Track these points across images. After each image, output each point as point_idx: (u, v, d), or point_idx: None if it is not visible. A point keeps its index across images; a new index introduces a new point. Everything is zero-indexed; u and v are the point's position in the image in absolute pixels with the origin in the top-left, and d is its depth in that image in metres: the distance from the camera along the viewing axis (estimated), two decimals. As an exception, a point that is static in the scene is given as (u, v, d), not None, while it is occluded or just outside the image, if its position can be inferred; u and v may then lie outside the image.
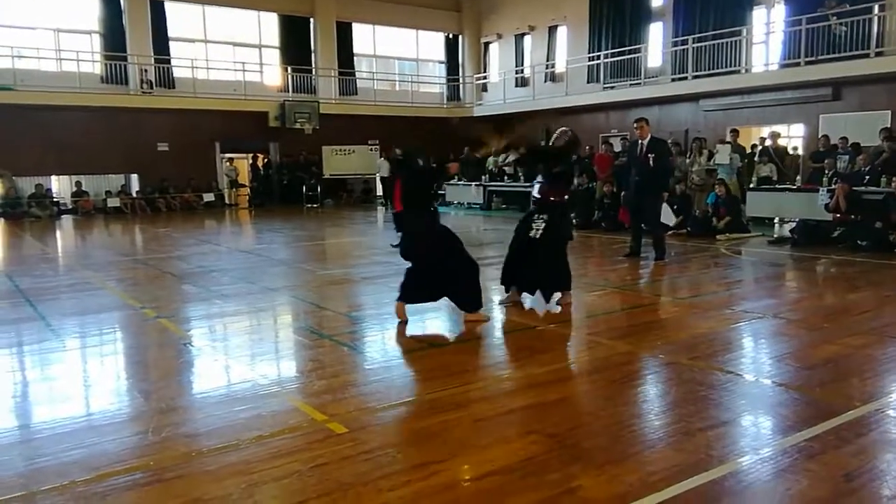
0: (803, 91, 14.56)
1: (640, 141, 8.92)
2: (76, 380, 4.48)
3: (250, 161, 21.68)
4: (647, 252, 9.44)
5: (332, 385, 4.15)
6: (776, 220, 13.19)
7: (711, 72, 15.93)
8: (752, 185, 13.13)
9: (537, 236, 6.22)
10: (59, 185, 19.29)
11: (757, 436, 3.37)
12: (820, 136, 13.33)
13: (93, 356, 5.07)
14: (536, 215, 6.30)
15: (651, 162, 8.72)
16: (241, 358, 4.97)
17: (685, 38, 16.73)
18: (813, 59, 14.16)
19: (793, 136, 15.28)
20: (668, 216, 9.40)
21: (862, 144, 12.35)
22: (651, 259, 9.00)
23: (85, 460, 3.08)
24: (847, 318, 5.81)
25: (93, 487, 2.81)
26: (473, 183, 19.26)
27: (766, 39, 16.22)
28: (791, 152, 14.30)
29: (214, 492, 2.75)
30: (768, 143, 13.88)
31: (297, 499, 2.70)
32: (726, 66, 15.79)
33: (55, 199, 18.68)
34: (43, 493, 2.76)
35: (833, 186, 10.81)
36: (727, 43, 15.81)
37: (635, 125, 9.16)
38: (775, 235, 11.65)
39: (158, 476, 2.92)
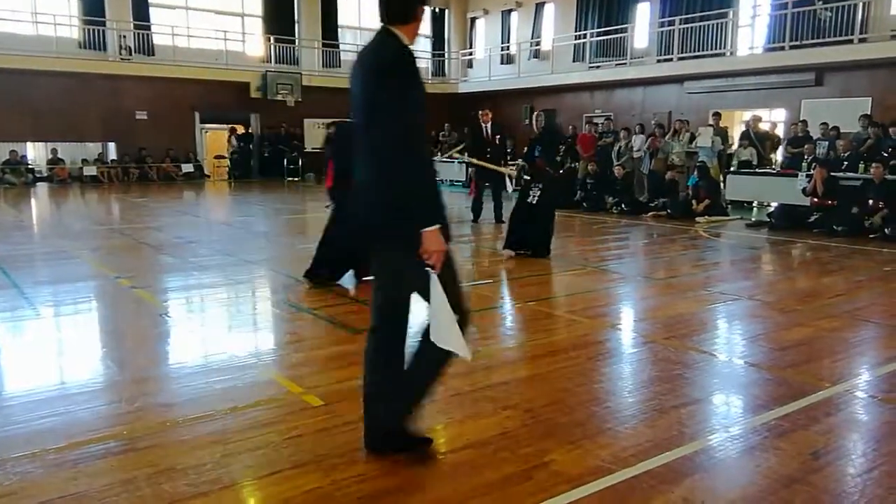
0: (787, 76, 14.62)
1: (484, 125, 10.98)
2: (50, 348, 4.43)
3: (230, 132, 21.34)
4: (626, 231, 9.49)
5: (309, 358, 4.15)
6: (755, 204, 13.32)
7: (696, 54, 15.93)
8: (731, 169, 13.22)
9: (534, 202, 7.66)
10: (35, 153, 18.91)
11: (728, 414, 3.43)
12: (800, 120, 13.41)
13: (67, 325, 5.02)
14: (532, 184, 7.75)
15: (496, 141, 11.02)
16: (219, 329, 4.95)
17: (672, 18, 16.70)
18: (797, 43, 14.20)
19: (775, 121, 15.36)
20: (508, 185, 11.02)
21: (842, 130, 12.45)
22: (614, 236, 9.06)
23: (57, 428, 3.05)
24: (820, 301, 5.90)
25: (65, 455, 2.79)
26: (456, 160, 19.19)
27: (752, 23, 16.23)
28: (771, 133, 14.33)
29: (188, 461, 2.75)
30: (750, 126, 13.94)
31: (272, 469, 2.70)
32: (712, 49, 15.80)
33: (30, 167, 18.32)
34: (14, 460, 2.74)
35: (812, 171, 10.91)
36: (713, 25, 15.80)
37: (480, 113, 11.10)
38: (753, 219, 11.76)
39: (132, 445, 2.91)
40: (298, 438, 2.98)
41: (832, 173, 10.63)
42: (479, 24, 24.18)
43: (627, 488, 2.59)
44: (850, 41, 13.49)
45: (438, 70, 24.66)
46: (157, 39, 19.44)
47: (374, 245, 2.73)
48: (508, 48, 22.49)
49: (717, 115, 13.87)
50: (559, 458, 2.82)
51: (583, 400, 3.50)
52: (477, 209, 11.24)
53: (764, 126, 14.20)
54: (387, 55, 2.54)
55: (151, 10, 19.42)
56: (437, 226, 2.52)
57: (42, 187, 17.38)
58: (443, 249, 2.54)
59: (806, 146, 12.30)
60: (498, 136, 11.18)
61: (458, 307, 2.64)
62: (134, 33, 18.93)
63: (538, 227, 7.71)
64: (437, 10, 24.35)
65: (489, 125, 11.10)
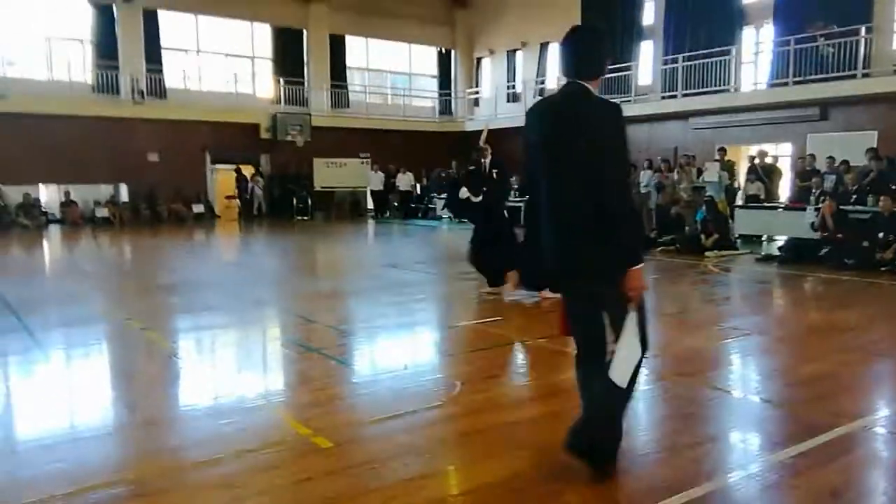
0: (791, 111, 14.71)
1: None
2: (60, 392, 4.43)
3: (244, 174, 21.46)
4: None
5: (318, 399, 4.12)
6: (764, 238, 13.28)
7: (701, 90, 16.07)
8: (738, 203, 13.23)
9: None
10: (48, 195, 19.14)
11: (744, 452, 3.37)
12: (807, 154, 13.44)
13: (77, 368, 5.02)
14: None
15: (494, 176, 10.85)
16: (228, 371, 4.94)
17: (675, 56, 16.90)
18: (801, 79, 14.31)
19: (781, 155, 15.41)
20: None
21: (851, 164, 12.47)
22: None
23: (66, 473, 3.04)
24: (833, 335, 5.84)
25: (74, 501, 2.77)
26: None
27: (755, 59, 16.41)
28: (773, 164, 14.32)
29: (197, 506, 2.72)
30: (756, 161, 14.00)
31: (281, 514, 2.67)
32: (716, 85, 15.94)
33: (43, 209, 18.53)
34: (22, 507, 2.72)
35: (820, 205, 10.90)
36: (717, 62, 15.97)
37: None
38: (763, 253, 11.71)
39: (141, 490, 2.88)
40: (307, 482, 2.95)
41: (841, 206, 10.61)
42: (485, 63, 24.55)
43: (642, 531, 2.54)
44: (854, 76, 13.59)
45: (445, 109, 24.97)
46: (169, 82, 19.82)
47: (575, 282, 2.88)
48: (514, 87, 22.78)
49: (723, 150, 13.94)
50: (572, 499, 2.77)
51: (595, 439, 3.44)
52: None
53: (768, 160, 14.25)
54: (610, 107, 2.79)
55: (163, 54, 19.83)
56: (643, 265, 2.77)
57: (55, 229, 17.55)
58: (645, 287, 2.78)
59: (814, 180, 12.31)
60: (496, 171, 11.14)
61: (644, 343, 2.87)
62: (146, 77, 19.31)
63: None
64: (443, 50, 24.76)
65: (488, 161, 11.15)
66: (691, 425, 3.63)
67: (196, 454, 3.24)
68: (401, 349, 5.60)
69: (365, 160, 21.92)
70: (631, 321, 2.77)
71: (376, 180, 21.46)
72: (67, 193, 18.75)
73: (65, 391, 4.46)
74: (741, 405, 4.08)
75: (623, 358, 2.79)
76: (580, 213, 2.75)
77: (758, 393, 4.29)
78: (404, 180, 21.28)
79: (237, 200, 21.12)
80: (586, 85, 2.83)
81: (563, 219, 2.81)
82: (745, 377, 4.74)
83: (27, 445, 3.41)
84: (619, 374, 2.79)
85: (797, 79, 14.39)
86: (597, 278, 2.80)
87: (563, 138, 2.78)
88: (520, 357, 5.40)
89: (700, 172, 13.72)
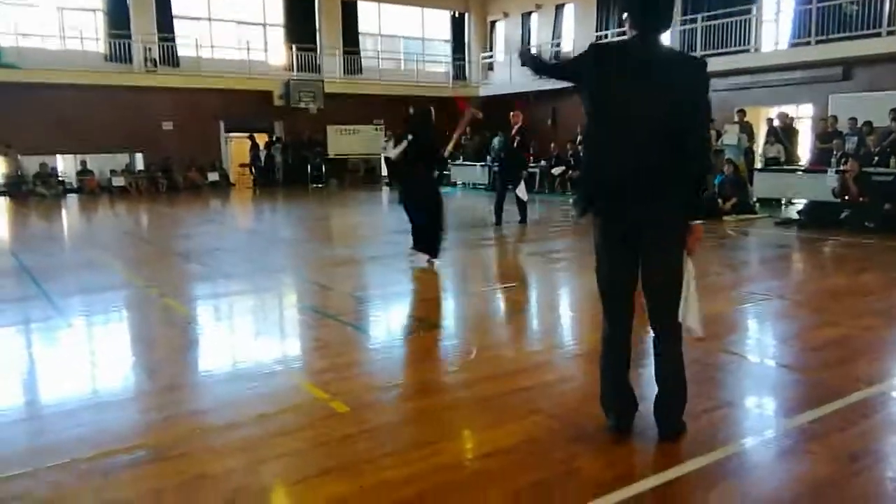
0: (813, 71, 14.37)
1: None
2: (80, 358, 4.50)
3: (257, 142, 21.45)
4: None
5: (335, 364, 4.15)
6: (783, 201, 13.10)
7: (721, 51, 15.74)
8: (759, 166, 13.02)
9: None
10: (65, 164, 19.27)
11: (761, 417, 3.36)
12: (829, 116, 13.16)
13: (97, 335, 5.09)
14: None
15: (515, 144, 11.20)
16: (246, 337, 4.99)
17: (694, 16, 16.52)
18: (823, 38, 13.95)
19: (802, 117, 15.12)
20: (521, 191, 11.11)
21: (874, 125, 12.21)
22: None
23: (88, 438, 3.09)
24: (853, 299, 5.77)
25: (95, 465, 2.82)
26: (478, 164, 19.19)
27: (777, 18, 15.99)
28: (790, 124, 14.05)
29: (217, 469, 2.76)
30: (776, 123, 13.75)
31: (299, 476, 2.71)
32: (736, 46, 15.60)
33: (60, 178, 18.67)
34: (46, 470, 2.77)
35: (841, 168, 10.70)
36: (737, 22, 15.60)
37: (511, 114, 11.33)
38: (782, 216, 11.57)
39: (161, 454, 2.93)
40: (325, 445, 2.98)
41: (863, 168, 10.41)
42: (499, 27, 24.15)
43: (658, 494, 2.55)
44: (878, 34, 13.22)
45: (459, 74, 24.67)
46: (182, 51, 19.71)
47: (653, 231, 2.85)
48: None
49: (742, 112, 13.67)
50: (587, 464, 2.78)
51: (611, 404, 3.44)
52: (499, 212, 11.14)
53: (788, 122, 13.98)
54: (700, 64, 2.87)
55: (175, 23, 19.70)
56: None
57: (72, 198, 17.69)
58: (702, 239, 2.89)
59: (835, 141, 12.08)
60: (518, 139, 11.20)
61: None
62: (159, 45, 19.22)
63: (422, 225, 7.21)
64: (456, 14, 24.37)
65: (516, 127, 11.20)
66: (708, 390, 3.61)
67: (215, 418, 3.28)
68: (416, 315, 5.61)
69: (378, 127, 21.78)
70: (690, 270, 2.88)
71: (391, 147, 21.35)
72: (84, 163, 18.86)
73: (85, 357, 4.52)
74: (759, 370, 4.06)
75: (690, 305, 2.87)
76: (665, 164, 2.75)
77: (776, 358, 4.26)
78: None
79: (253, 168, 21.14)
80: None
81: (645, 164, 2.77)
82: (763, 342, 4.71)
83: (49, 411, 3.47)
84: (685, 317, 2.88)
85: (819, 38, 14.03)
86: (674, 226, 2.84)
87: (655, 90, 2.74)
88: (535, 323, 5.40)
89: (719, 135, 13.49)
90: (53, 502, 2.54)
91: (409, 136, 7.32)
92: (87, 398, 3.69)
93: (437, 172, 7.54)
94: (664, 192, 2.78)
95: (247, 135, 20.95)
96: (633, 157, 2.77)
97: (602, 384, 3.05)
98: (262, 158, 21.12)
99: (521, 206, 11.09)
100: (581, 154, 3.03)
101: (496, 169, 12.89)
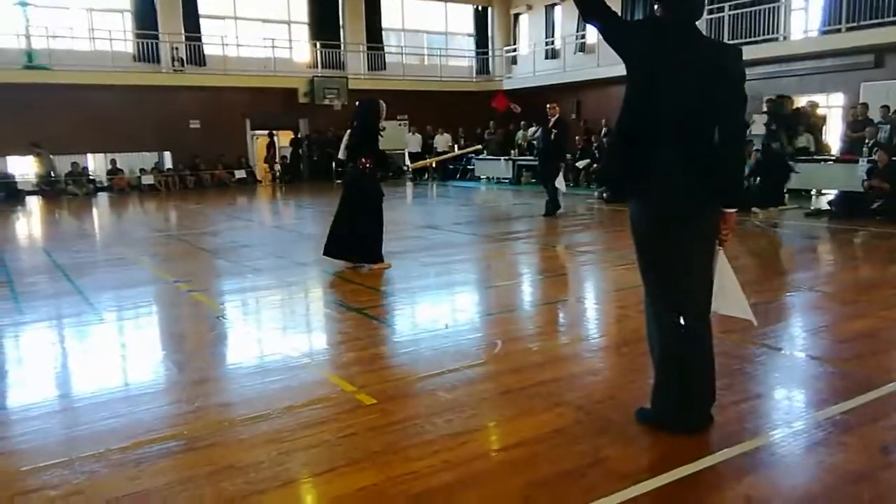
0: (844, 58, 14.09)
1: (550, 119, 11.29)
2: (113, 351, 4.59)
3: (270, 139, 21.49)
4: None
5: (361, 357, 4.19)
6: (813, 192, 12.88)
7: (749, 39, 15.49)
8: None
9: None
10: (95, 163, 19.62)
11: (791, 409, 3.32)
12: (859, 104, 12.88)
13: (129, 329, 5.18)
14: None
15: (553, 137, 11.20)
16: (273, 330, 5.04)
17: (721, 5, 16.28)
18: (854, 24, 13.67)
19: (833, 106, 14.83)
20: (560, 183, 11.29)
21: (906, 113, 11.94)
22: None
23: (121, 429, 3.15)
24: (885, 291, 5.66)
25: (128, 455, 2.88)
26: (502, 158, 19.13)
27: (806, 5, 15.70)
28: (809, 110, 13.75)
29: (246, 459, 2.81)
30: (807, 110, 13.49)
31: (327, 466, 2.74)
32: (764, 34, 15.34)
33: (91, 177, 19.01)
34: (81, 460, 2.84)
35: (873, 157, 10.48)
36: (765, 9, 15.34)
37: (547, 107, 11.41)
38: (812, 207, 11.37)
39: (192, 444, 2.98)
40: (352, 436, 3.01)
41: (894, 158, 10.19)
42: (523, 19, 24.04)
43: (686, 486, 2.53)
44: (912, 20, 12.92)
45: (483, 68, 24.62)
46: (208, 50, 19.94)
47: (693, 221, 2.84)
48: (553, 43, 22.30)
49: (771, 102, 13.42)
50: (614, 454, 2.78)
51: (636, 396, 3.42)
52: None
53: (820, 111, 13.70)
54: (737, 52, 2.91)
55: (202, 22, 19.93)
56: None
57: (102, 197, 18.02)
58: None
59: (867, 130, 11.83)
60: (555, 132, 11.21)
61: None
62: (185, 45, 19.47)
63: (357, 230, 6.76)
64: (479, 7, 24.31)
65: (553, 119, 11.24)
66: (738, 382, 3.58)
67: (245, 410, 3.33)
68: (441, 309, 5.64)
69: (402, 122, 21.82)
70: (723, 257, 2.91)
71: (414, 142, 21.40)
72: (114, 162, 19.20)
73: (118, 351, 4.61)
74: (789, 362, 4.00)
75: (729, 293, 2.92)
76: (709, 149, 2.79)
77: (806, 350, 4.20)
78: (441, 141, 21.15)
79: (278, 165, 21.30)
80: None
81: (691, 152, 2.78)
82: (793, 334, 4.65)
83: (83, 402, 3.55)
84: (727, 306, 2.93)
85: (850, 25, 13.75)
86: (711, 214, 2.85)
87: (700, 79, 2.76)
88: (560, 316, 5.39)
89: (747, 125, 13.27)
90: (88, 491, 2.60)
91: (349, 129, 7.05)
92: (120, 390, 3.76)
93: (379, 170, 7.02)
94: (702, 181, 2.77)
95: (264, 132, 21.11)
96: (676, 143, 2.77)
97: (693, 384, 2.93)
98: (289, 156, 21.30)
99: (554, 199, 11.14)
100: (615, 134, 2.95)
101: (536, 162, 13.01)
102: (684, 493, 2.49)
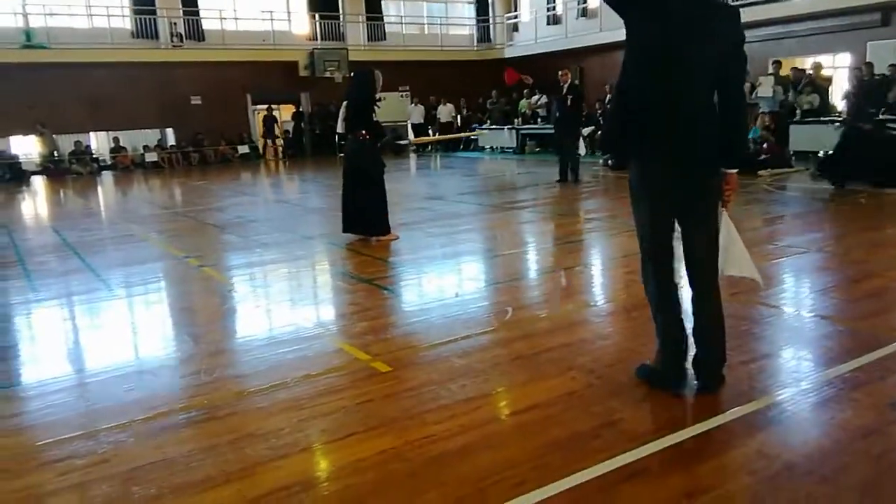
0: (849, 17, 13.88)
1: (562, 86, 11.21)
2: (128, 326, 4.65)
3: (265, 113, 21.30)
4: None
5: (373, 327, 4.23)
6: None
7: (753, 1, 15.27)
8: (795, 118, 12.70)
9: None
10: (98, 142, 19.60)
11: (800, 368, 3.35)
12: (864, 63, 12.73)
13: (142, 304, 5.24)
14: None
15: (569, 103, 11.11)
16: (284, 302, 5.09)
17: (724, -34, 16.02)
18: (860, -18, 13.45)
19: (839, 67, 14.66)
20: (581, 147, 11.56)
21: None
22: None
23: (142, 400, 3.22)
24: (892, 250, 5.67)
25: (151, 425, 2.95)
26: (506, 127, 19.02)
27: (810, -36, 15.43)
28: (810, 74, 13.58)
29: (267, 427, 2.86)
30: (810, 72, 13.36)
31: (346, 432, 2.79)
32: (767, -5, 15.12)
33: (94, 156, 19.01)
34: (105, 431, 2.90)
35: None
36: (768, -31, 15.08)
37: (560, 73, 11.34)
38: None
39: (212, 413, 3.04)
40: (369, 403, 3.07)
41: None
42: (524, -14, 23.70)
43: (699, 443, 2.58)
44: (920, -25, 12.71)
45: (483, 36, 24.35)
46: (206, 24, 19.76)
47: (700, 183, 2.88)
48: (555, 8, 22.01)
49: (778, 64, 13.32)
50: (627, 416, 2.82)
51: (647, 359, 3.45)
52: (566, 170, 11.25)
53: (825, 72, 13.55)
54: (735, 13, 2.94)
55: (199, -5, 19.72)
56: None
57: (107, 175, 18.03)
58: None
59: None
60: (571, 98, 11.14)
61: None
62: (184, 20, 19.29)
63: (359, 203, 6.78)
64: (479, -26, 23.96)
65: (566, 86, 11.15)
66: (747, 342, 3.62)
67: (263, 380, 3.39)
68: (449, 278, 5.67)
69: (404, 93, 21.67)
70: (727, 219, 2.91)
71: (416, 113, 21.27)
72: (117, 140, 19.18)
73: (133, 326, 4.67)
74: (798, 322, 4.04)
75: (735, 254, 2.91)
76: (709, 110, 2.83)
77: (814, 309, 4.23)
78: (444, 112, 21.02)
79: (280, 140, 21.23)
80: None
81: (691, 113, 2.80)
82: (801, 294, 4.67)
83: (102, 376, 3.61)
84: (735, 267, 2.93)
85: (856, -17, 13.54)
86: (715, 175, 2.88)
87: (698, 42, 2.77)
88: (568, 283, 5.42)
89: (753, 88, 13.16)
90: (114, 460, 2.66)
91: (345, 101, 6.90)
92: (138, 363, 3.83)
93: (377, 141, 6.92)
94: (704, 142, 2.79)
95: (275, 106, 20.99)
96: (676, 105, 2.78)
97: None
98: (291, 130, 21.22)
99: (575, 167, 11.15)
100: (615, 99, 2.99)
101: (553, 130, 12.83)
102: (698, 450, 2.53)
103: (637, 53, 2.85)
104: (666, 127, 2.80)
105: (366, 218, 6.78)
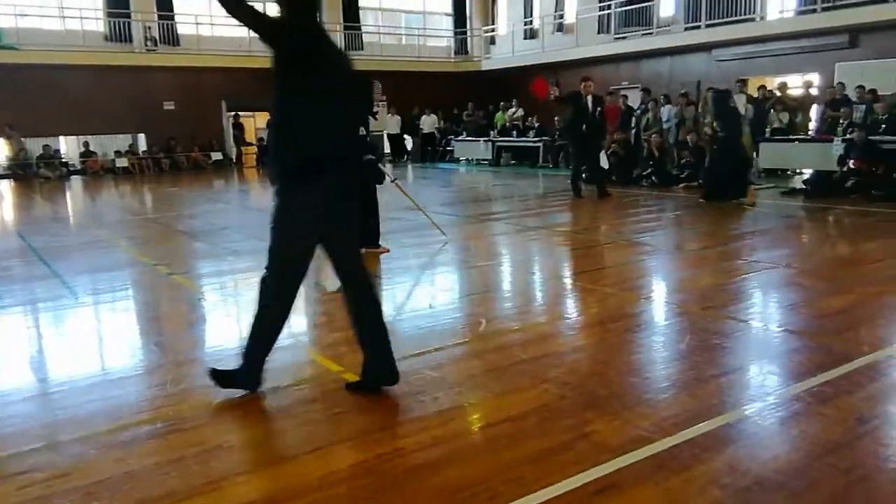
0: (819, 39, 14.22)
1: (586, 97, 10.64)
2: (94, 335, 4.54)
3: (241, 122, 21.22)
4: (658, 203, 9.38)
5: (345, 337, 4.15)
6: (789, 172, 13.04)
7: (726, 20, 15.57)
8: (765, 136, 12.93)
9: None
10: (68, 146, 19.26)
11: (769, 382, 3.38)
12: (836, 83, 13.04)
13: (109, 312, 5.13)
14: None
15: (596, 115, 10.61)
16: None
17: (699, -15, 16.33)
18: (830, 4, 13.80)
19: (805, 87, 14.96)
20: (604, 161, 11.11)
21: (879, 93, 12.09)
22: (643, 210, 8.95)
23: (106, 411, 3.13)
24: (860, 267, 5.78)
25: (115, 437, 2.87)
26: (482, 139, 19.10)
27: (782, -14, 15.81)
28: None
29: (234, 439, 2.81)
30: (777, 93, 13.64)
31: (316, 445, 2.74)
32: (741, 14, 15.42)
33: (63, 160, 18.66)
34: (67, 443, 2.82)
35: (848, 136, 10.64)
36: (742, -10, 15.41)
37: (583, 83, 10.71)
38: (788, 187, 11.51)
39: (178, 425, 2.97)
40: (341, 415, 3.02)
41: (870, 137, 10.35)
42: (501, -1, 23.90)
43: (670, 457, 2.58)
44: (886, 0, 13.05)
45: (461, 48, 24.47)
46: (181, 29, 19.59)
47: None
48: (531, 23, 22.21)
49: (743, 82, 13.56)
50: (599, 428, 2.82)
51: (621, 371, 3.48)
52: (577, 187, 10.87)
53: (793, 92, 13.82)
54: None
55: (174, 0, 19.52)
56: None
57: (76, 180, 17.71)
58: None
59: (842, 110, 11.98)
60: (598, 110, 10.70)
61: None
62: (158, 24, 19.09)
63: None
64: (457, -14, 24.10)
65: (590, 97, 10.57)
66: (716, 357, 3.65)
67: (230, 391, 3.31)
68: (424, 289, 5.65)
69: (380, 103, 21.60)
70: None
71: (393, 123, 21.26)
72: (87, 144, 18.86)
73: (98, 334, 4.57)
74: (766, 337, 4.08)
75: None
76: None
77: (783, 324, 4.28)
78: (428, 122, 21.00)
79: (254, 147, 21.05)
80: None
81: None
82: (769, 309, 4.73)
83: (66, 386, 3.51)
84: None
85: (826, 4, 13.88)
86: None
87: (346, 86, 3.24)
88: (542, 295, 5.43)
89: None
90: (75, 472, 2.58)
91: None
92: (103, 374, 3.74)
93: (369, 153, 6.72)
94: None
95: (250, 114, 20.83)
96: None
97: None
98: (266, 138, 21.05)
99: (601, 178, 10.75)
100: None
101: (568, 141, 12.39)
102: (669, 463, 2.53)
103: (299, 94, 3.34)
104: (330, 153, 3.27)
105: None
